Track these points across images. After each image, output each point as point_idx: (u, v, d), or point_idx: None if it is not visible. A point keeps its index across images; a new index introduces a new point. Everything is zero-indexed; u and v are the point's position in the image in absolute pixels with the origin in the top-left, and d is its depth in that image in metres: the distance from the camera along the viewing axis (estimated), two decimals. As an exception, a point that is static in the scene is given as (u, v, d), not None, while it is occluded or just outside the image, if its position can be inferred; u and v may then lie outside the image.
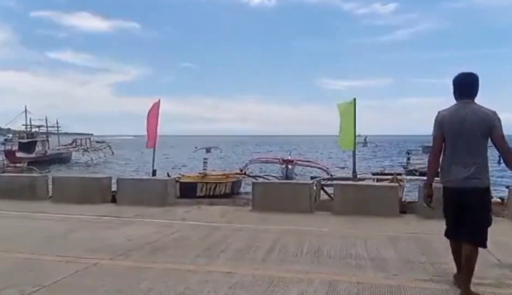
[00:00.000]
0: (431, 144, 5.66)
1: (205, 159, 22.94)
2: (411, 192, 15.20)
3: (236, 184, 22.58)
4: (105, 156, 55.30)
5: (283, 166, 31.03)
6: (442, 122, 5.49)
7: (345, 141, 13.04)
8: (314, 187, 12.40)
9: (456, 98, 5.54)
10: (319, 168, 29.56)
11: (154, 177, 13.72)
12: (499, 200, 11.30)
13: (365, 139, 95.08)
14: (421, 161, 36.48)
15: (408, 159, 41.44)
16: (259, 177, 23.39)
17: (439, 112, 5.56)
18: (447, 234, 5.67)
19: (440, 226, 5.78)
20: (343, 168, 34.92)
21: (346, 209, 10.61)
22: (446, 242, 5.77)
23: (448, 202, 5.50)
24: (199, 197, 18.19)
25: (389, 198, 10.69)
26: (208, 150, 71.66)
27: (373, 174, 20.81)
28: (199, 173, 21.55)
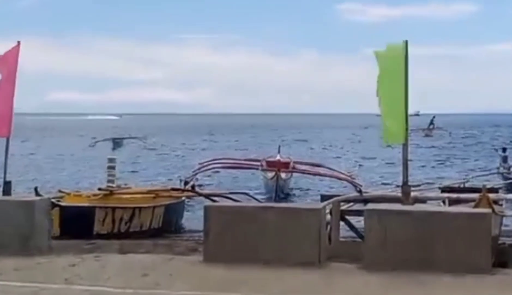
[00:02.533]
0: None
1: (111, 160, 17.21)
2: None
3: (173, 210, 17.13)
4: None
5: (270, 174, 23.70)
6: None
7: (392, 128, 10.10)
8: (328, 215, 10.36)
9: None
10: (338, 179, 20.96)
11: (6, 197, 10.80)
12: None
13: (431, 121, 78.90)
14: None
15: (505, 159, 31.46)
16: (220, 195, 17.45)
17: None
18: None
19: None
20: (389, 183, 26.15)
21: (389, 258, 8.40)
22: None
23: None
24: (100, 235, 14.02)
25: (474, 236, 8.26)
26: (117, 143, 55.05)
27: (443, 190, 15.18)
28: (100, 189, 16.12)
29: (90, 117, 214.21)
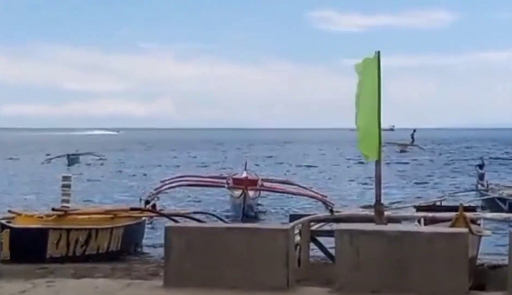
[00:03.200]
0: None
1: (65, 178, 16.46)
2: (494, 245, 12.92)
3: (133, 231, 16.41)
4: None
5: (237, 192, 22.97)
6: None
7: (366, 144, 9.92)
8: (298, 236, 10.38)
9: None
10: (309, 197, 20.66)
11: None
12: None
13: (412, 136, 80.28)
14: None
15: (482, 176, 31.48)
16: (183, 215, 16.67)
17: None
18: None
19: None
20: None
21: (362, 281, 8.16)
22: None
23: None
24: (53, 259, 13.25)
25: (450, 257, 8.04)
26: (72, 160, 53.62)
27: (418, 209, 14.99)
28: (54, 210, 15.22)
29: (77, 133, 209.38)
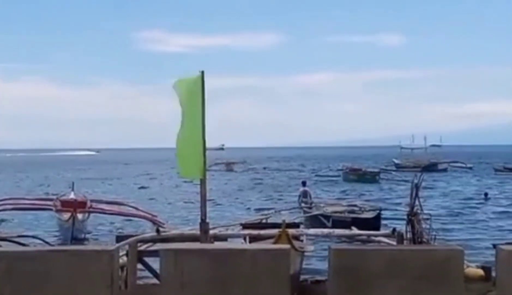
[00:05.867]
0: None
1: None
2: (318, 260, 13.29)
3: None
4: None
5: (66, 215, 22.00)
6: None
7: (189, 161, 9.55)
8: (125, 257, 10.38)
9: None
10: (140, 217, 20.14)
11: None
12: (480, 271, 9.76)
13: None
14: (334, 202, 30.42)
15: (305, 193, 32.20)
16: (4, 239, 15.14)
17: None
18: None
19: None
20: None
21: None
22: None
23: None
24: None
25: (272, 273, 7.94)
26: None
27: (244, 226, 14.80)
28: None
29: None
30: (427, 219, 12.05)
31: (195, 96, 9.77)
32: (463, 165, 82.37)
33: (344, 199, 36.48)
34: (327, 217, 24.38)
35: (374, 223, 21.97)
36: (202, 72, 9.75)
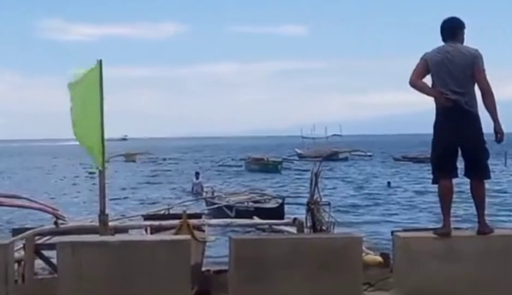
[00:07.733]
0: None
1: None
2: (219, 250, 12.76)
3: None
4: None
5: None
6: (428, 59, 7.48)
7: (89, 154, 9.45)
8: (23, 251, 10.07)
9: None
10: (40, 210, 19.45)
11: None
12: (378, 258, 10.19)
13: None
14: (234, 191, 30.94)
15: (197, 185, 34.49)
16: None
17: (425, 53, 7.61)
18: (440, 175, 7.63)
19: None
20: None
21: (85, 293, 7.84)
22: None
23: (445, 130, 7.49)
24: None
25: (173, 264, 7.96)
26: None
27: (146, 218, 14.46)
28: None
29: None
30: (327, 206, 12.30)
31: (92, 86, 9.49)
32: (363, 153, 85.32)
33: (247, 188, 36.26)
34: (230, 207, 24.61)
35: (278, 212, 22.33)
36: (100, 61, 9.51)
